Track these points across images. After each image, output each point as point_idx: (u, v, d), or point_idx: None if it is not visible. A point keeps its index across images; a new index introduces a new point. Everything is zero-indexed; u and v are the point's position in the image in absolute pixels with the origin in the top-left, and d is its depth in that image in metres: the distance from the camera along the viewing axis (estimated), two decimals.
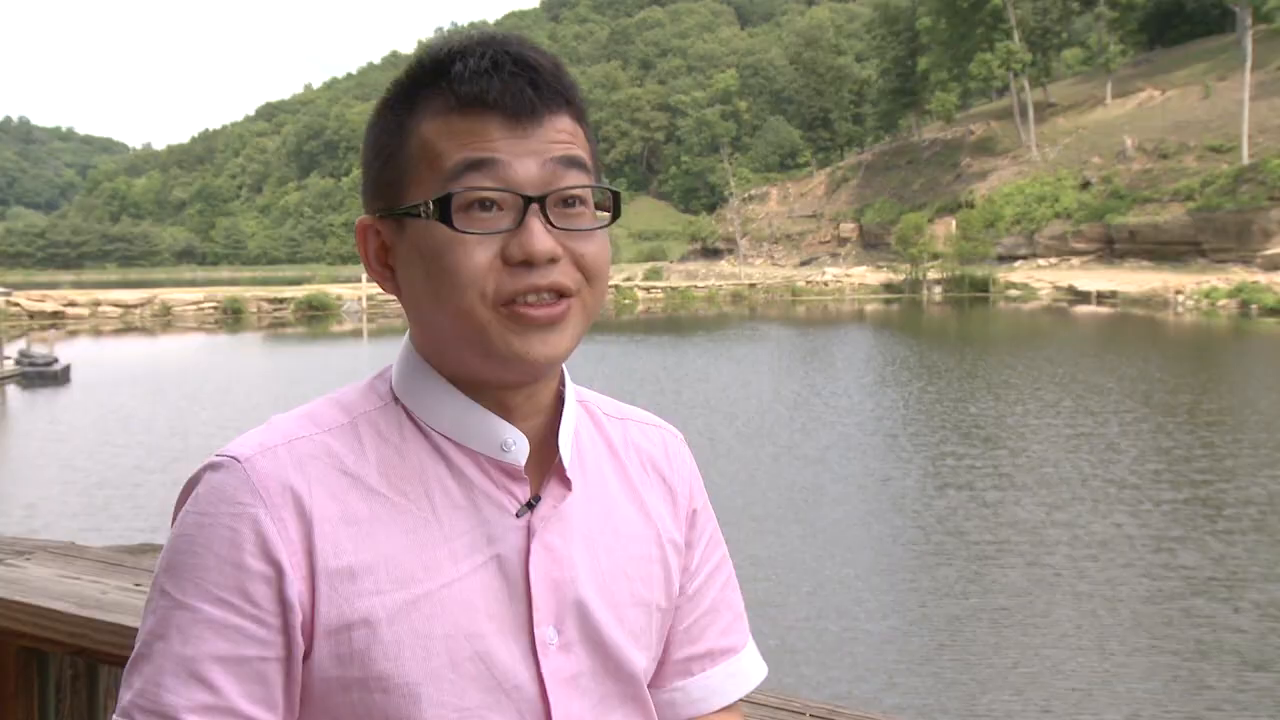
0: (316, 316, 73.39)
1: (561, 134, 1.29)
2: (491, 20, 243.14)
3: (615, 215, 1.35)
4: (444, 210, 1.25)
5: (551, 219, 1.27)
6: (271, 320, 72.97)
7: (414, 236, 1.28)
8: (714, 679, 1.50)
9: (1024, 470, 23.63)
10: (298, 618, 1.24)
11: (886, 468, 24.17)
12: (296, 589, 1.23)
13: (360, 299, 74.41)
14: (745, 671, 1.53)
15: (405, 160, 1.30)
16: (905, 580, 16.69)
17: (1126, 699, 12.69)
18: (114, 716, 1.24)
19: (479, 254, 1.25)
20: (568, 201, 1.28)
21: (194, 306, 75.34)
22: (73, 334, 64.53)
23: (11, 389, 42.60)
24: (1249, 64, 67.98)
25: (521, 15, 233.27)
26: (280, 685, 1.24)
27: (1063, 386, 35.15)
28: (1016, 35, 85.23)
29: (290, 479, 1.26)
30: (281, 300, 76.36)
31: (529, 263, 1.25)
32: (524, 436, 1.33)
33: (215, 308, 74.94)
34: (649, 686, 1.46)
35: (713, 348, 49.58)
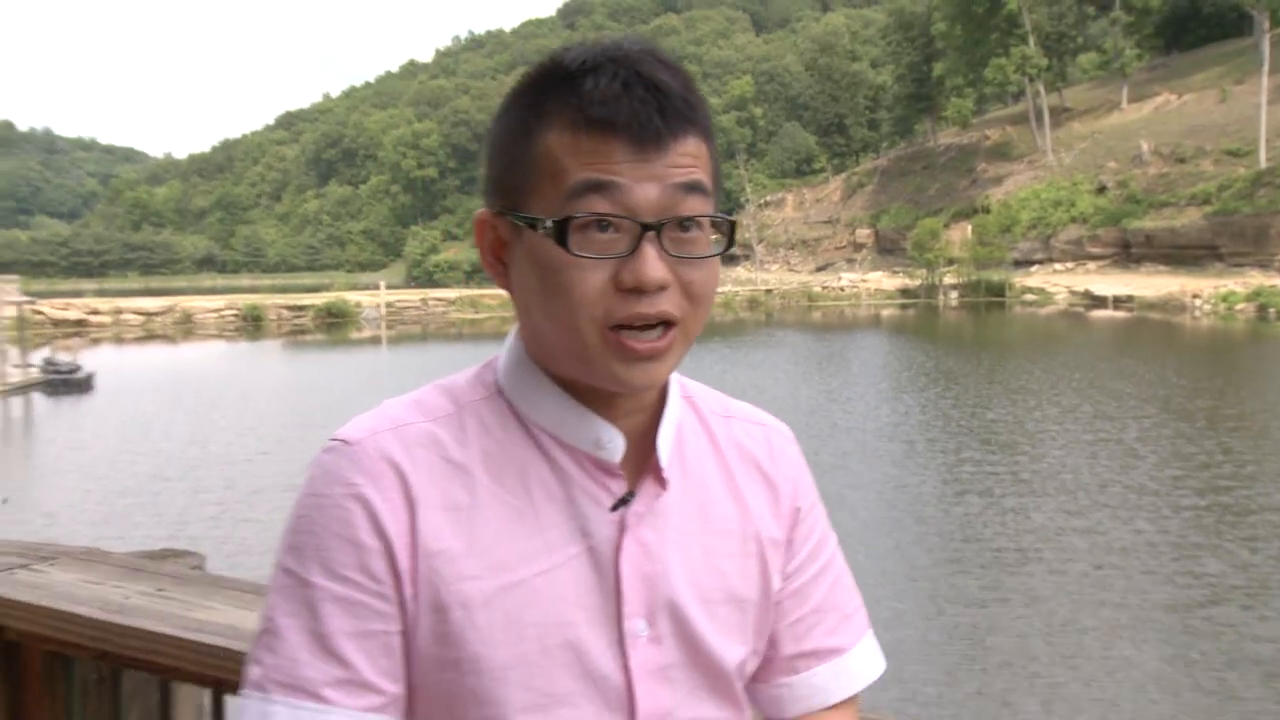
0: (335, 324, 73.51)
1: (685, 158, 1.30)
2: (508, 28, 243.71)
3: (729, 243, 1.35)
4: (561, 231, 1.26)
5: (666, 245, 1.28)
6: (291, 327, 73.11)
7: (530, 245, 1.30)
8: (819, 678, 1.51)
9: (1043, 476, 23.55)
10: (408, 591, 1.28)
11: (904, 474, 24.11)
12: (404, 565, 1.28)
13: (379, 306, 74.53)
14: (853, 671, 1.53)
15: (529, 167, 1.31)
16: (924, 588, 16.64)
17: (1150, 709, 12.63)
18: (247, 689, 1.29)
19: (592, 277, 1.26)
20: (683, 225, 1.29)
21: (214, 314, 75.63)
22: (96, 342, 64.85)
23: (37, 396, 42.88)
24: (1266, 67, 67.61)
25: (538, 23, 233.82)
26: (401, 657, 1.29)
27: (1080, 392, 35.05)
28: (1032, 40, 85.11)
29: (397, 462, 1.30)
30: (301, 307, 76.50)
31: (639, 289, 1.27)
32: (620, 435, 1.36)
33: (235, 315, 75.18)
34: (756, 680, 1.50)
35: (729, 353, 49.54)
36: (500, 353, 1.42)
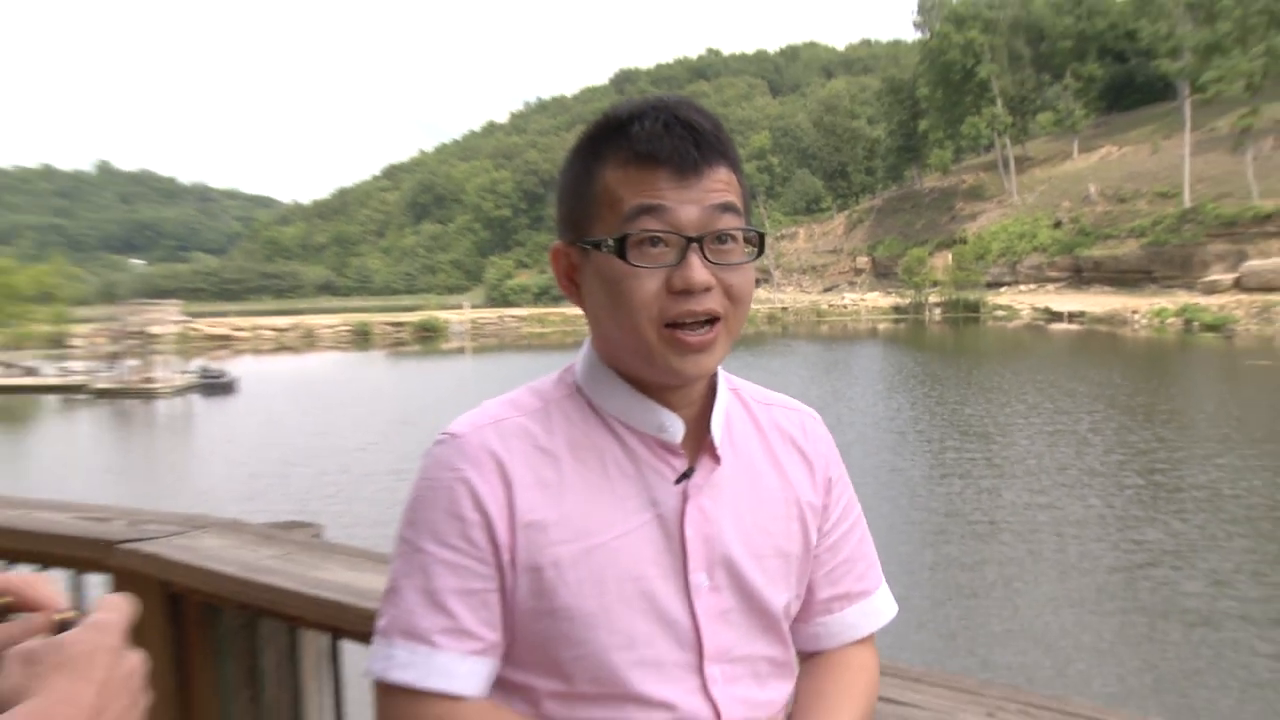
0: (428, 337, 73.72)
1: (718, 184, 1.31)
2: (569, 95, 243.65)
3: (760, 251, 1.36)
4: (621, 247, 1.28)
5: (708, 255, 1.30)
6: (393, 340, 73.39)
7: (597, 263, 1.32)
8: (850, 616, 1.51)
9: (1012, 461, 23.39)
10: (506, 556, 1.30)
11: (897, 459, 23.98)
12: (502, 534, 1.30)
13: (465, 322, 74.68)
14: (878, 610, 1.54)
15: (591, 200, 1.33)
16: (913, 554, 16.54)
17: (1099, 651, 12.54)
18: (376, 635, 1.33)
19: (648, 283, 1.28)
20: (721, 239, 1.31)
21: (331, 330, 76.05)
22: (238, 353, 65.36)
23: (194, 397, 43.34)
24: (1188, 126, 67.39)
25: (594, 90, 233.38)
26: (499, 610, 1.32)
27: (1041, 391, 34.76)
28: (999, 102, 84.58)
29: (495, 450, 1.33)
30: (400, 324, 76.82)
31: (688, 291, 1.29)
32: (679, 420, 1.37)
33: (348, 330, 75.61)
34: (796, 621, 1.50)
35: (752, 360, 49.37)
36: (577, 359, 1.43)
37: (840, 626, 1.51)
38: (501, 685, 1.36)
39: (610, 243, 1.29)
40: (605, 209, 1.31)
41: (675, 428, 1.36)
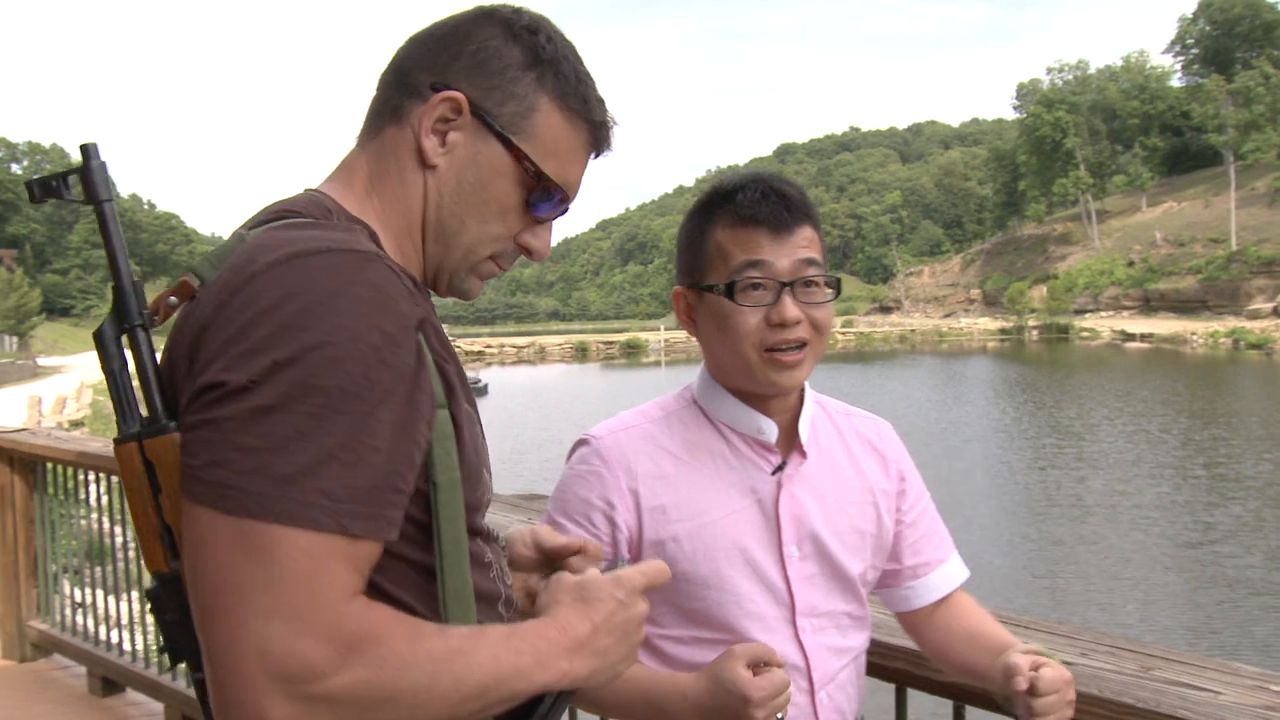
0: (632, 352, 74.64)
1: (804, 239, 1.33)
2: (740, 163, 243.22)
3: (837, 293, 1.37)
4: (730, 290, 1.31)
5: (797, 295, 1.31)
6: (605, 355, 74.59)
7: (711, 302, 1.35)
8: (933, 579, 1.49)
9: (1098, 454, 22.62)
10: (623, 534, 1.34)
11: (1005, 453, 23.34)
12: (624, 518, 1.33)
13: (661, 341, 75.32)
14: (954, 572, 1.51)
15: (705, 253, 1.36)
16: (1015, 531, 16.07)
17: (1177, 615, 12.09)
18: None
19: (752, 318, 1.31)
20: (807, 284, 1.32)
21: (558, 346, 77.71)
22: (488, 364, 67.51)
23: None
24: (1233, 186, 67.91)
25: (759, 160, 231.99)
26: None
27: (1120, 397, 33.46)
28: (1082, 167, 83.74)
29: (625, 451, 1.36)
30: (611, 342, 77.99)
31: (783, 324, 1.30)
32: (774, 425, 1.38)
33: (571, 347, 77.09)
34: (888, 586, 1.49)
35: (887, 371, 48.59)
36: (694, 380, 1.45)
37: (925, 588, 1.49)
38: None
39: (721, 287, 1.31)
40: (717, 260, 1.33)
41: (771, 430, 1.37)
